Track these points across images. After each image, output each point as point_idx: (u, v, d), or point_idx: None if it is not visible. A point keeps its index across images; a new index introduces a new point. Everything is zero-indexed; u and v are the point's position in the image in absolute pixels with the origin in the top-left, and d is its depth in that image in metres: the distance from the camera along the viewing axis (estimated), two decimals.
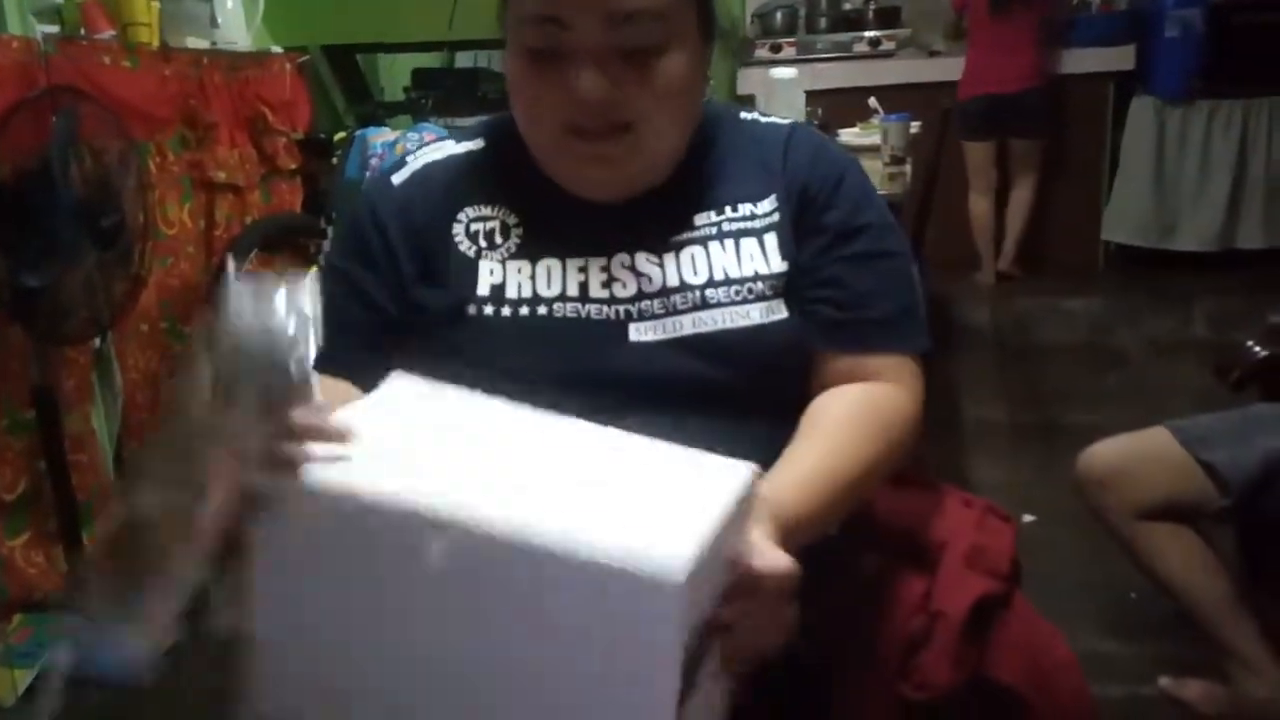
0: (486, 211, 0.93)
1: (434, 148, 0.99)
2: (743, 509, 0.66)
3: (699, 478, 0.66)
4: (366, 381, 0.89)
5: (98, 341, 2.24)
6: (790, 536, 0.71)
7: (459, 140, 0.99)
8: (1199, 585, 1.62)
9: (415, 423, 0.71)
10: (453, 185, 0.95)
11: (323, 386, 0.88)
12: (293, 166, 3.03)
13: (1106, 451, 1.68)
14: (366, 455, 0.66)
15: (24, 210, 1.80)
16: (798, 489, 0.78)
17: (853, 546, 0.96)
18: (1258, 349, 1.85)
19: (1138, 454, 1.66)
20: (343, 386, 0.90)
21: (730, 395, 0.85)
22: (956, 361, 3.62)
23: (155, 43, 2.51)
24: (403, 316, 0.93)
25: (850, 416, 0.87)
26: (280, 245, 2.92)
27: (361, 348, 0.92)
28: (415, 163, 0.98)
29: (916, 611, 0.87)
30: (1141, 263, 4.57)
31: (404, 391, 0.75)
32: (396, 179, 0.97)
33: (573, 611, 0.60)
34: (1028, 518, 2.33)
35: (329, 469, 0.65)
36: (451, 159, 0.98)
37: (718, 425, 0.81)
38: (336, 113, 3.87)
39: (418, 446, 0.68)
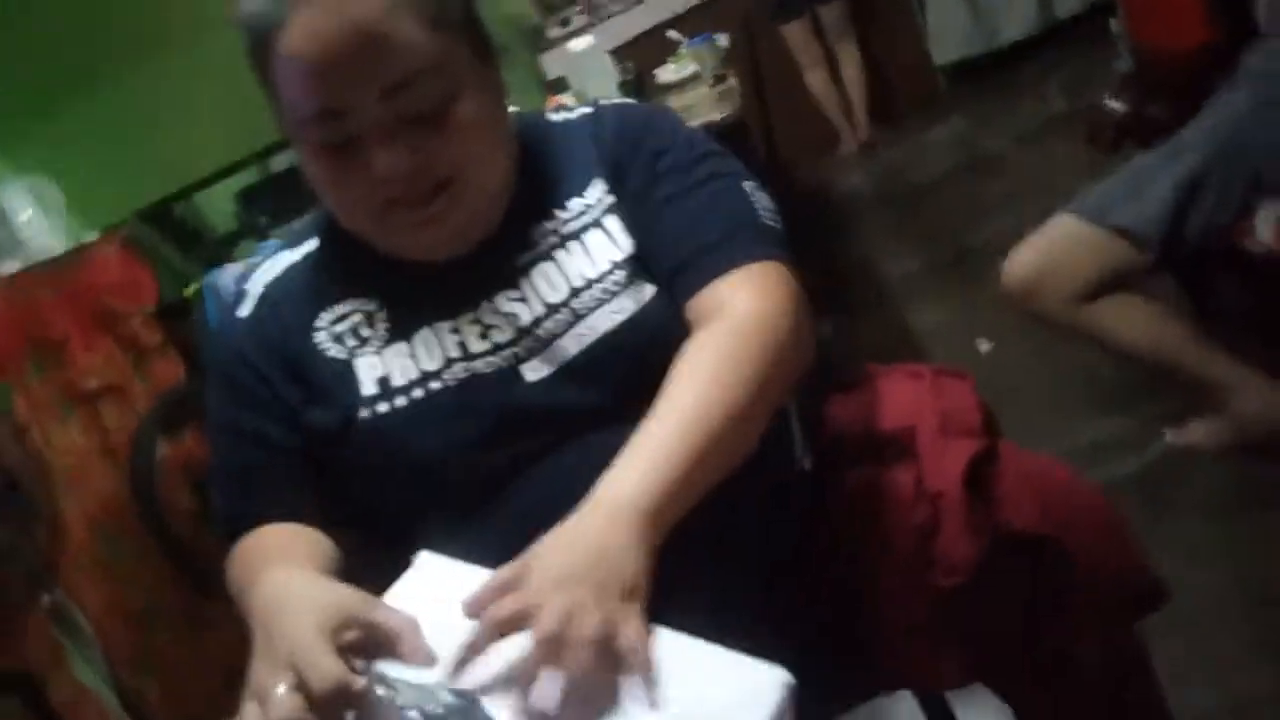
0: (344, 309, 0.89)
1: (269, 265, 0.95)
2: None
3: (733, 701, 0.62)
4: (300, 518, 0.87)
5: (46, 601, 2.14)
6: (659, 517, 0.70)
7: (293, 246, 0.95)
8: (1160, 338, 1.65)
9: (449, 625, 0.66)
10: (301, 294, 0.91)
11: (254, 538, 0.86)
12: (159, 340, 2.92)
13: (1023, 256, 1.70)
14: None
15: None
16: (646, 469, 0.72)
17: (833, 471, 0.94)
18: (1116, 104, 1.88)
19: (1051, 247, 1.67)
20: (271, 530, 0.86)
21: (639, 395, 0.80)
22: (857, 232, 3.65)
23: None
24: (306, 445, 0.88)
25: (699, 374, 0.79)
26: (182, 422, 2.83)
27: (278, 490, 0.88)
28: (255, 287, 0.93)
29: (916, 502, 0.85)
30: (979, 71, 4.65)
31: (429, 580, 0.72)
32: (242, 311, 0.92)
33: None
34: (984, 345, 2.35)
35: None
36: (292, 269, 0.93)
37: (629, 433, 0.77)
38: (177, 270, 3.75)
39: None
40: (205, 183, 4.24)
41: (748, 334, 0.80)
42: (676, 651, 0.65)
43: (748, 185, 0.91)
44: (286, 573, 0.75)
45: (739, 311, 0.82)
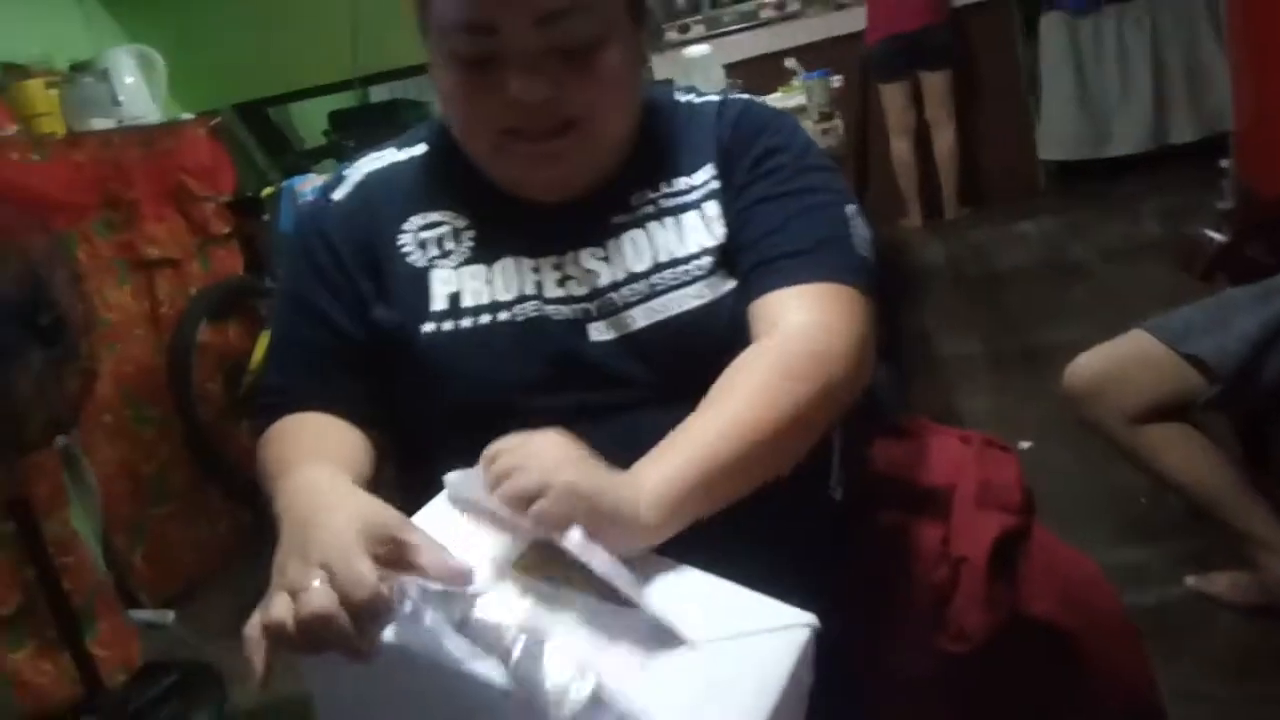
0: (435, 217, 0.89)
1: (374, 156, 0.95)
2: (798, 672, 0.63)
3: (752, 654, 0.62)
4: (341, 409, 0.87)
5: (62, 442, 2.18)
6: (671, 515, 0.70)
7: (400, 147, 0.95)
8: (1205, 477, 1.62)
9: (477, 553, 0.66)
10: (398, 194, 0.91)
11: (284, 428, 0.86)
12: (226, 230, 2.97)
13: (1090, 362, 1.67)
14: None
15: None
16: (673, 464, 0.72)
17: (862, 509, 0.94)
18: (1216, 236, 1.86)
19: (1121, 359, 1.65)
20: (310, 418, 0.86)
21: (694, 380, 0.81)
22: (924, 303, 3.63)
23: (61, 131, 2.46)
24: (367, 338, 0.88)
25: (751, 381, 0.78)
26: (228, 311, 2.87)
27: (330, 374, 0.88)
28: (354, 174, 0.93)
29: (939, 561, 0.85)
30: (1082, 175, 4.62)
31: (456, 506, 0.71)
32: (337, 195, 0.92)
33: None
34: (1024, 444, 2.33)
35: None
36: (394, 166, 0.94)
37: (680, 416, 0.78)
38: (259, 170, 3.81)
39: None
40: (304, 94, 4.30)
41: (807, 355, 0.79)
42: (706, 588, 0.67)
43: (849, 209, 0.90)
44: (326, 473, 0.75)
45: (804, 329, 0.81)
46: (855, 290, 0.85)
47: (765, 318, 0.83)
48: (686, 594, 0.67)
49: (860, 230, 0.89)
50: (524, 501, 0.65)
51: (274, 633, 0.61)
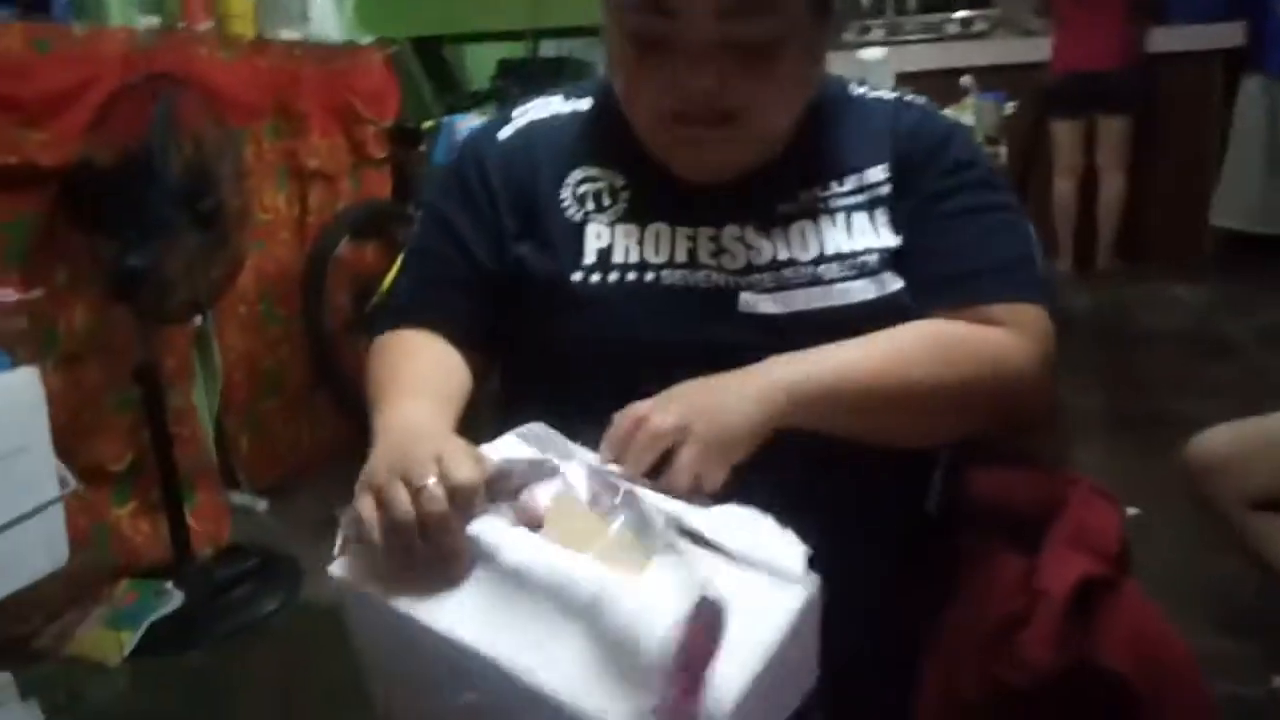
0: (594, 173, 0.91)
1: (541, 104, 0.97)
2: (798, 632, 0.64)
3: (753, 609, 0.63)
4: (456, 329, 0.90)
5: (198, 321, 2.31)
6: (793, 407, 0.76)
7: (568, 97, 0.97)
8: None
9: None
10: (560, 145, 0.93)
11: (401, 342, 0.90)
12: (381, 155, 3.08)
13: (1219, 437, 1.60)
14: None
15: (126, 194, 1.86)
16: (811, 367, 0.79)
17: (949, 524, 0.92)
18: None
19: (1252, 440, 1.57)
20: (425, 340, 0.90)
21: None
22: (1057, 348, 3.50)
23: (251, 34, 2.58)
24: (500, 271, 0.90)
25: (921, 332, 0.83)
26: (369, 232, 2.98)
27: (454, 293, 0.91)
28: (521, 119, 0.96)
29: (1017, 591, 0.82)
30: (1252, 249, 4.35)
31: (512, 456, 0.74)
32: (502, 134, 0.95)
33: None
34: (1132, 510, 2.22)
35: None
36: (558, 118, 0.95)
37: None
38: (424, 103, 3.92)
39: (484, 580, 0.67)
40: (479, 37, 4.41)
41: (989, 356, 0.83)
42: (739, 514, 0.70)
43: (1030, 229, 0.91)
44: (427, 411, 0.79)
45: (1000, 338, 0.84)
46: (1045, 312, 0.87)
47: (967, 321, 0.85)
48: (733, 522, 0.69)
49: (1034, 244, 0.91)
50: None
51: (397, 528, 0.65)
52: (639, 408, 0.75)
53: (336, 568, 0.69)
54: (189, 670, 1.91)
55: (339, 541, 0.70)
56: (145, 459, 2.11)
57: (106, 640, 1.92)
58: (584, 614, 0.61)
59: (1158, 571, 1.96)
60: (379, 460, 0.71)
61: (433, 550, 0.65)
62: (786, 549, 0.66)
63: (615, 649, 0.59)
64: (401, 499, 0.65)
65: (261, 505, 2.53)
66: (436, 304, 0.92)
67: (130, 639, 1.92)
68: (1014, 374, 0.84)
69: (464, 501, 0.66)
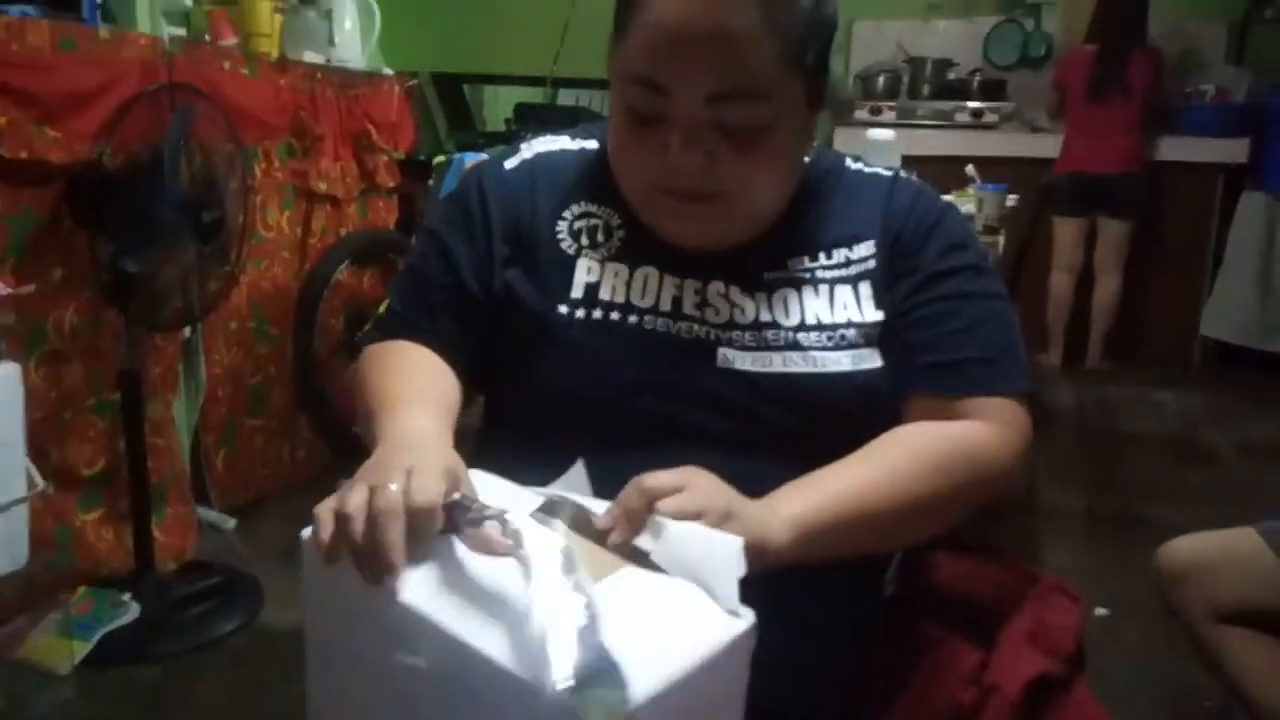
0: (593, 209, 0.93)
1: (549, 140, 0.99)
2: (726, 662, 0.64)
3: (683, 633, 0.63)
4: (445, 350, 0.91)
5: (187, 332, 2.31)
6: (801, 543, 0.73)
7: (574, 137, 0.99)
8: (1275, 696, 1.52)
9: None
10: (563, 179, 0.95)
11: (395, 349, 0.91)
12: (391, 184, 3.11)
13: (1190, 546, 1.59)
14: None
15: (131, 198, 1.88)
16: (819, 495, 0.77)
17: (909, 609, 0.92)
18: None
19: (1223, 552, 1.57)
20: (417, 350, 0.90)
21: (808, 439, 0.83)
22: (1036, 443, 3.50)
23: (275, 54, 2.62)
24: (488, 298, 0.92)
25: (911, 446, 0.83)
26: (370, 259, 2.99)
27: (444, 316, 0.92)
28: (528, 152, 0.97)
29: (969, 683, 0.82)
30: (1240, 362, 4.40)
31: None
32: (509, 164, 0.97)
33: None
34: (1100, 611, 2.22)
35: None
36: (566, 154, 0.97)
37: (784, 467, 0.80)
38: (438, 137, 3.98)
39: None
40: (499, 79, 4.48)
41: (976, 462, 0.84)
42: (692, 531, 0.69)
43: (1015, 318, 0.92)
44: (429, 422, 0.79)
45: (979, 433, 0.85)
46: (1024, 404, 0.89)
47: (941, 415, 0.87)
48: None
49: (1019, 336, 0.93)
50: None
51: (343, 517, 0.65)
52: (664, 482, 0.71)
53: (309, 533, 0.69)
54: (139, 684, 1.87)
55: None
56: (117, 466, 2.10)
57: (57, 647, 1.89)
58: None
59: (1121, 673, 1.97)
60: (366, 464, 0.71)
61: (369, 549, 0.64)
62: (729, 581, 0.66)
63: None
64: (357, 495, 0.66)
65: (230, 524, 2.51)
66: (427, 323, 0.92)
67: (82, 648, 1.89)
68: (997, 471, 0.86)
69: (418, 516, 0.65)
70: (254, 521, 2.54)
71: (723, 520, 0.69)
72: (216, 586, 2.15)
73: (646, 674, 0.58)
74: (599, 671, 0.57)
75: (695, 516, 0.69)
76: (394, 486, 0.65)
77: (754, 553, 0.68)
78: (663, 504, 0.69)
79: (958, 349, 0.88)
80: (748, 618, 0.65)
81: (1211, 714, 1.84)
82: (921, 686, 0.84)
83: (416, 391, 0.84)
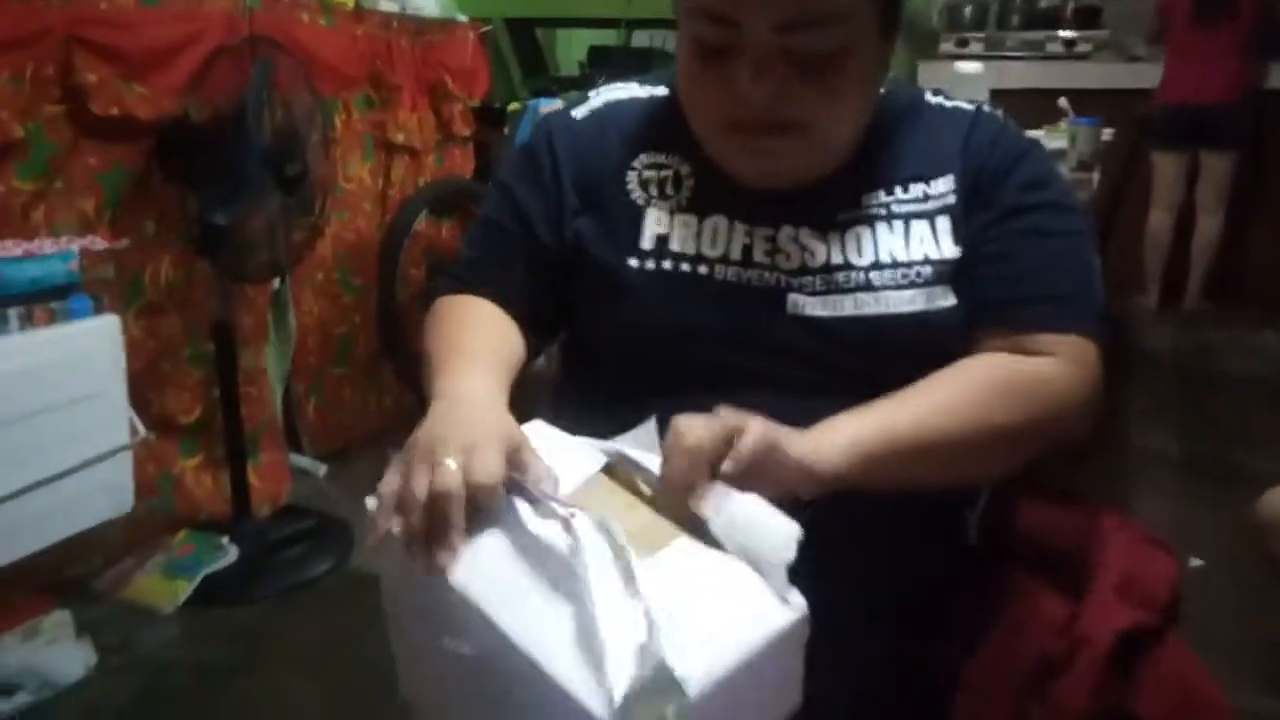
0: (662, 159, 0.92)
1: (618, 87, 0.98)
2: (779, 650, 0.63)
3: (737, 620, 0.62)
4: (514, 303, 0.91)
5: (276, 283, 2.37)
6: (848, 471, 0.72)
7: (644, 84, 0.98)
8: None
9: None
10: (632, 128, 0.94)
11: (461, 304, 0.91)
12: (467, 133, 3.12)
13: None
14: None
15: (217, 152, 1.92)
16: (875, 419, 0.75)
17: (995, 556, 0.91)
18: None
19: None
20: (485, 306, 0.91)
21: (880, 381, 0.81)
22: (1128, 385, 3.40)
23: (350, 3, 2.63)
24: (560, 248, 0.92)
25: (975, 376, 0.81)
26: (448, 208, 3.02)
27: (516, 267, 0.92)
28: (597, 100, 0.97)
29: (1058, 634, 0.80)
30: None
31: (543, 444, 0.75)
32: (578, 113, 0.96)
33: None
34: (1195, 561, 2.16)
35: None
36: (635, 102, 0.96)
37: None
38: (512, 84, 3.96)
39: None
40: (573, 23, 4.43)
41: (1040, 394, 0.81)
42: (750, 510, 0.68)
43: (1096, 260, 0.89)
44: (484, 386, 0.80)
45: (1048, 371, 0.83)
46: (1096, 345, 0.86)
47: (1012, 350, 0.84)
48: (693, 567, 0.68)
49: (1098, 277, 0.89)
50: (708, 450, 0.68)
51: (405, 502, 0.66)
52: (704, 440, 0.69)
53: (372, 502, 0.70)
54: (239, 624, 1.96)
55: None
56: (214, 414, 2.18)
57: (162, 588, 1.99)
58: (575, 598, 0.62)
59: (1218, 625, 1.91)
60: (423, 430, 0.72)
61: (433, 530, 0.65)
62: (780, 570, 0.65)
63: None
64: (419, 478, 0.66)
65: (321, 470, 2.59)
66: (498, 275, 0.93)
67: (185, 589, 1.98)
68: (1064, 409, 0.83)
69: (482, 497, 0.66)
70: (344, 467, 2.61)
71: (770, 453, 0.69)
72: (309, 530, 2.22)
73: (697, 667, 0.58)
74: (656, 680, 0.56)
75: (748, 468, 0.68)
76: (453, 465, 0.66)
77: (804, 479, 0.69)
78: (724, 468, 0.69)
79: (1029, 286, 0.86)
80: (799, 607, 0.64)
81: None
82: (1007, 635, 0.83)
83: (475, 349, 0.85)
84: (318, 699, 1.76)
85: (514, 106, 3.23)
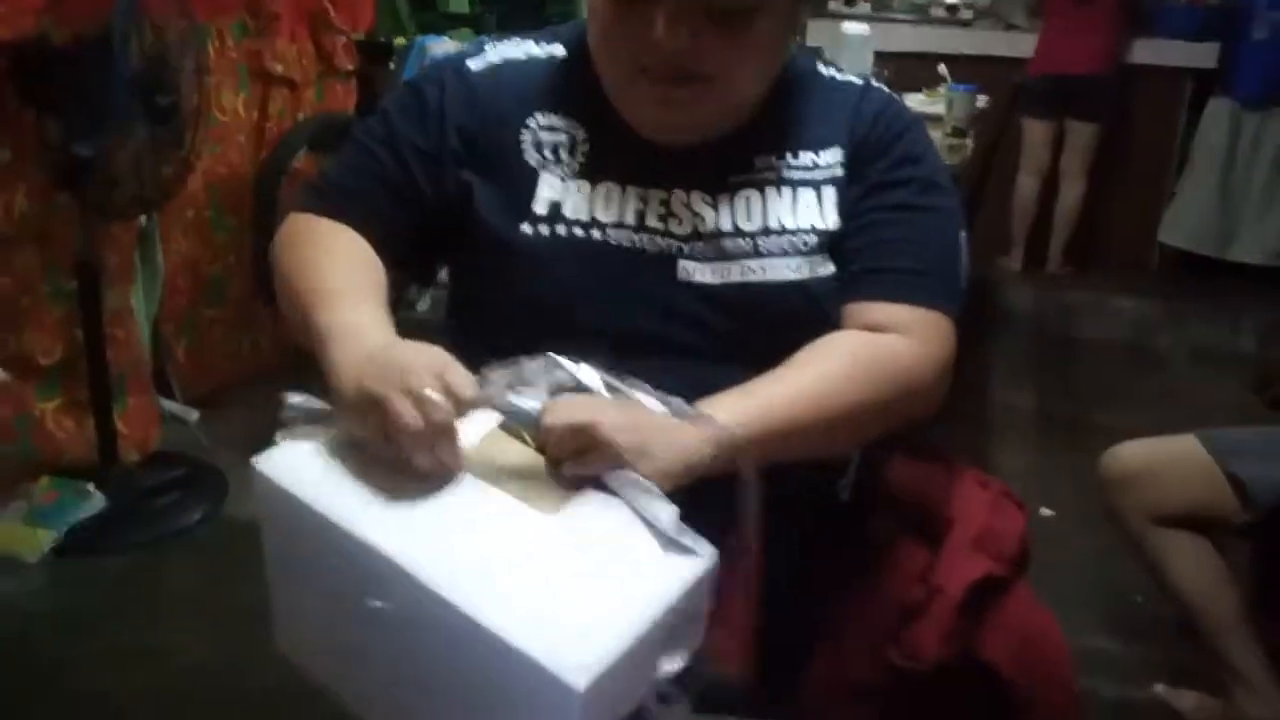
0: (557, 122, 0.91)
1: (514, 44, 0.96)
2: (688, 602, 0.66)
3: (652, 566, 0.66)
4: (375, 230, 0.89)
5: (143, 220, 2.26)
6: (737, 452, 0.74)
7: (539, 41, 0.97)
8: (1207, 597, 1.60)
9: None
10: (527, 88, 0.93)
11: (326, 230, 0.89)
12: (349, 67, 3.01)
13: (1132, 451, 1.66)
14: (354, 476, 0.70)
15: (80, 78, 1.81)
16: (751, 407, 0.78)
17: (860, 510, 0.96)
18: None
19: (1164, 458, 1.63)
20: (346, 233, 0.89)
21: (765, 348, 0.84)
22: (991, 344, 3.58)
23: None
24: (433, 192, 0.91)
25: (841, 355, 0.84)
26: (329, 145, 2.92)
27: (381, 194, 0.91)
28: (492, 54, 0.95)
29: (915, 582, 0.87)
30: (1196, 269, 4.47)
31: None
32: (474, 64, 0.94)
33: (485, 682, 0.62)
34: (1045, 511, 2.31)
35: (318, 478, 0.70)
36: (531, 61, 0.95)
37: (743, 376, 0.81)
38: (399, 18, 3.83)
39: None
40: None
41: (895, 364, 0.85)
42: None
43: (962, 236, 0.93)
44: (380, 319, 0.80)
45: (902, 345, 0.86)
46: (951, 321, 0.89)
47: (866, 322, 0.87)
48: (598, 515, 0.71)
49: (964, 259, 0.93)
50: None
51: (406, 437, 0.68)
52: (588, 412, 0.73)
53: (262, 463, 0.70)
54: (107, 574, 1.90)
55: (279, 431, 0.73)
56: (77, 356, 2.08)
57: (24, 536, 1.91)
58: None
59: (1063, 572, 2.06)
60: (357, 369, 0.72)
61: (433, 461, 0.68)
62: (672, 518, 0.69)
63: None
64: (407, 408, 0.67)
65: (193, 416, 2.50)
66: (362, 203, 0.90)
67: (49, 537, 1.91)
68: (918, 387, 0.87)
69: (472, 407, 0.70)
70: (216, 413, 2.53)
71: (638, 459, 0.72)
72: (181, 478, 2.16)
73: (617, 625, 0.61)
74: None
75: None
76: (436, 396, 0.68)
77: (685, 474, 0.72)
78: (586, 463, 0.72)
79: (890, 257, 0.89)
80: (708, 555, 0.68)
81: (1141, 608, 1.95)
82: (871, 585, 0.88)
83: (354, 283, 0.84)
84: (191, 648, 1.72)
85: (400, 42, 3.13)
